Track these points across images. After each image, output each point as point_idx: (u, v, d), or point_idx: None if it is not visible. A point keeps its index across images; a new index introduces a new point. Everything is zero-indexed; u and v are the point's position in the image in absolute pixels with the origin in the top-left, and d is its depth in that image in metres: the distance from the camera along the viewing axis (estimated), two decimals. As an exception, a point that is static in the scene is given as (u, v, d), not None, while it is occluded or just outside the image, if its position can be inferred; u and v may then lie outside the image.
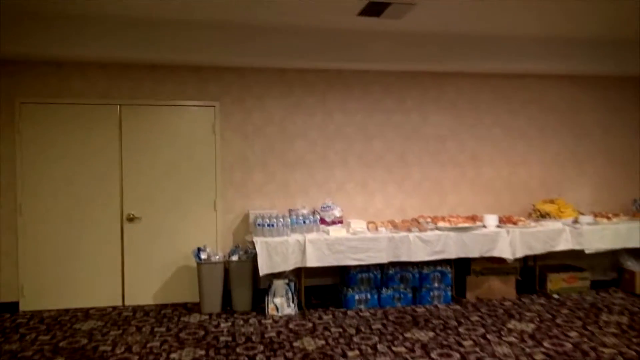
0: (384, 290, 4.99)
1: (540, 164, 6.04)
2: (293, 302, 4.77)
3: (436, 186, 5.81)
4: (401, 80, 5.69)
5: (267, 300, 4.76)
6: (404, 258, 4.80)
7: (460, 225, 4.94)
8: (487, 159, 5.92)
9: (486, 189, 5.93)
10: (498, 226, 5.14)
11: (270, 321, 4.57)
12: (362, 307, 4.94)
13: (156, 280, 5.15)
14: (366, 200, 5.66)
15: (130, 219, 5.08)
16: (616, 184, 6.17)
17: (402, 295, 5.01)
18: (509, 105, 5.96)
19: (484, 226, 5.10)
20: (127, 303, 5.10)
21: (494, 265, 5.20)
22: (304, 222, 4.94)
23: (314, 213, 5.14)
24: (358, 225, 4.94)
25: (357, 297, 4.94)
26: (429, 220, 5.17)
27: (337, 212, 5.25)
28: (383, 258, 4.75)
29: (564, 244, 5.13)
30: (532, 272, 5.49)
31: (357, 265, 4.82)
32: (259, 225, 4.78)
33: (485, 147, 5.91)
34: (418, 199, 5.77)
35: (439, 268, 5.06)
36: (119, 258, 5.08)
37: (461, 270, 5.25)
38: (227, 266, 4.92)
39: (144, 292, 5.13)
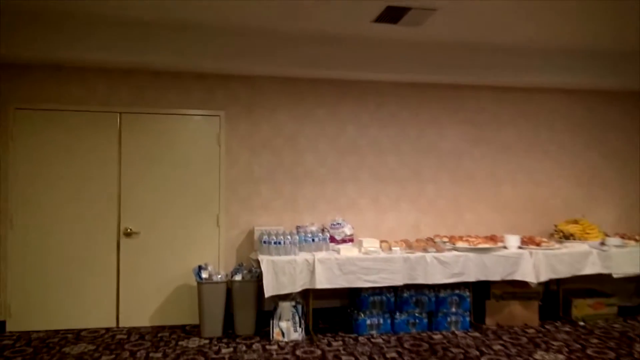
0: (397, 314, 4.64)
1: (562, 183, 5.72)
2: (300, 326, 4.42)
3: (452, 204, 5.50)
4: (417, 92, 5.42)
5: (272, 324, 4.41)
6: (420, 280, 4.46)
7: (480, 246, 4.61)
8: (506, 176, 5.61)
9: (505, 208, 5.61)
10: (520, 247, 4.81)
11: (275, 347, 4.22)
12: (374, 332, 4.59)
13: (153, 300, 4.81)
14: (378, 218, 5.34)
15: (128, 234, 4.76)
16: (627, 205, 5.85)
17: (417, 321, 4.66)
18: (530, 121, 5.67)
19: (505, 247, 4.77)
20: (121, 324, 4.75)
21: (515, 290, 4.85)
22: (313, 240, 4.62)
23: (323, 230, 4.82)
24: (370, 244, 4.62)
25: (368, 321, 4.59)
26: (445, 240, 4.84)
27: (347, 230, 4.93)
28: (398, 280, 4.41)
29: (590, 268, 4.79)
30: (554, 296, 5.14)
31: (369, 287, 4.48)
32: (264, 242, 4.46)
33: (504, 164, 5.61)
34: (433, 217, 5.46)
35: (456, 291, 4.71)
36: (114, 275, 4.75)
37: (479, 294, 4.90)
38: (229, 286, 4.58)
39: (140, 312, 4.78)
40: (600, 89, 5.68)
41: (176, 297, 4.85)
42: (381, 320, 4.61)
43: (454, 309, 4.71)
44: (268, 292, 4.21)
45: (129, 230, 4.76)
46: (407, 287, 4.60)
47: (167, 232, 4.84)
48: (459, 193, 5.52)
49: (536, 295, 4.89)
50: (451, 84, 5.44)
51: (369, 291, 4.59)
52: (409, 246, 4.75)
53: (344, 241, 4.89)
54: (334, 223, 4.94)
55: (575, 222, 5.28)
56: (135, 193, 4.79)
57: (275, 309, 4.45)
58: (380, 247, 4.65)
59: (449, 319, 4.70)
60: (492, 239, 4.88)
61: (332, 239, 4.85)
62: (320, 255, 4.39)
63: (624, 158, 5.83)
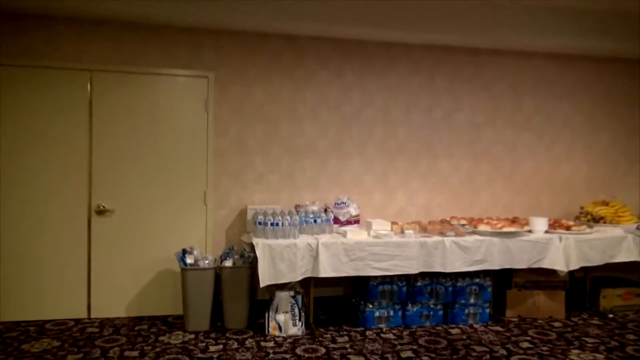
0: (409, 306, 4.10)
1: (586, 160, 5.18)
2: (300, 319, 3.85)
3: (467, 182, 4.93)
4: (431, 55, 4.79)
5: (268, 316, 3.84)
6: (438, 268, 3.91)
7: (505, 229, 4.06)
8: (526, 152, 5.05)
9: (524, 187, 5.06)
10: (546, 231, 4.28)
11: (272, 344, 3.65)
12: (383, 326, 4.04)
13: (130, 287, 4.20)
14: (386, 197, 4.76)
15: (100, 212, 4.12)
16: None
17: (431, 313, 4.12)
18: (553, 91, 5.09)
19: (530, 231, 4.23)
20: (93, 315, 4.14)
21: (540, 278, 4.33)
22: (315, 221, 4.03)
23: (325, 211, 4.23)
24: (381, 226, 4.04)
25: (377, 313, 4.04)
26: (464, 222, 4.29)
27: (353, 210, 4.35)
28: (413, 268, 3.85)
29: (625, 254, 4.27)
30: (580, 285, 4.64)
31: (379, 275, 3.92)
32: (259, 223, 3.85)
33: (525, 138, 5.04)
34: (446, 196, 4.89)
35: (476, 280, 4.17)
36: (85, 259, 4.12)
37: (499, 282, 4.38)
38: (218, 273, 3.98)
39: (115, 302, 4.17)
40: (629, 56, 5.10)
41: (157, 285, 4.24)
42: (391, 312, 4.06)
43: (472, 300, 4.17)
44: (264, 281, 3.63)
45: (101, 207, 4.11)
46: (422, 275, 4.05)
47: (146, 210, 4.21)
48: (475, 170, 4.95)
49: (563, 284, 4.38)
50: (468, 48, 4.82)
51: (377, 279, 4.02)
52: (423, 229, 4.19)
53: (348, 223, 4.31)
54: (338, 202, 4.35)
55: (605, 203, 4.76)
56: (108, 165, 4.14)
57: (272, 299, 3.87)
58: (391, 229, 4.08)
59: (466, 311, 4.17)
60: (516, 221, 4.34)
61: (336, 220, 4.27)
62: (324, 238, 3.80)
63: (654, 134, 5.31)
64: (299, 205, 4.29)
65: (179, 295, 4.11)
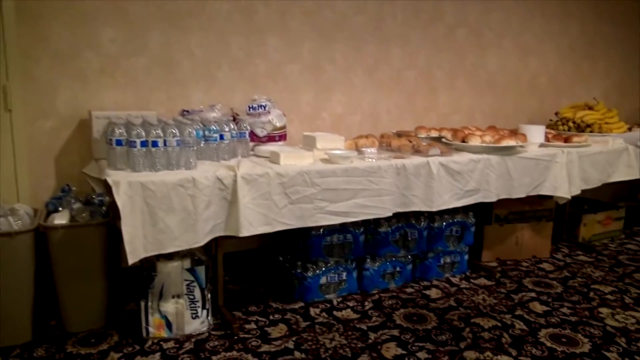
0: (369, 262, 2.72)
1: (555, 54, 4.10)
2: (204, 306, 2.25)
3: (424, 79, 3.54)
4: None
5: (146, 308, 2.16)
6: (420, 206, 2.53)
7: (505, 143, 2.78)
8: (493, 38, 3.77)
9: (488, 88, 3.84)
10: (542, 145, 3.12)
11: (157, 356, 2.03)
12: (332, 296, 2.63)
13: None
14: (318, 99, 3.17)
15: None
16: (630, 87, 4.55)
17: (398, 269, 2.80)
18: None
19: (522, 146, 3.02)
20: None
21: (525, 207, 3.23)
22: (221, 137, 2.33)
23: (234, 120, 2.53)
24: (330, 143, 2.49)
25: (323, 279, 2.60)
26: (445, 134, 2.93)
27: (276, 119, 2.70)
28: (386, 208, 2.42)
29: (624, 172, 3.32)
30: (559, 213, 3.66)
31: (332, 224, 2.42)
32: (118, 143, 2.05)
33: (492, 21, 3.74)
34: (397, 99, 3.47)
35: (457, 217, 2.91)
36: None
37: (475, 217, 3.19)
38: (47, 235, 2.14)
39: None
40: None
41: None
42: (344, 275, 2.65)
43: (452, 246, 2.93)
44: (135, 252, 1.91)
45: None
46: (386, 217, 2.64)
47: None
48: (435, 62, 3.56)
49: (549, 213, 3.34)
50: None
51: (320, 229, 2.53)
52: (388, 145, 2.74)
53: (271, 139, 2.67)
54: (253, 106, 2.65)
55: (588, 107, 3.74)
56: None
57: (150, 277, 2.17)
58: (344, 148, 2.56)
59: (442, 261, 2.93)
60: (495, 130, 3.08)
61: (251, 137, 2.61)
62: (242, 168, 2.14)
63: (624, 22, 4.37)
64: (187, 111, 2.52)
65: (-35, 282, 2.20)
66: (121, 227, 1.89)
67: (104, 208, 2.24)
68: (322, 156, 2.41)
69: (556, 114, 3.80)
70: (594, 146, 3.22)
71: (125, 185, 1.87)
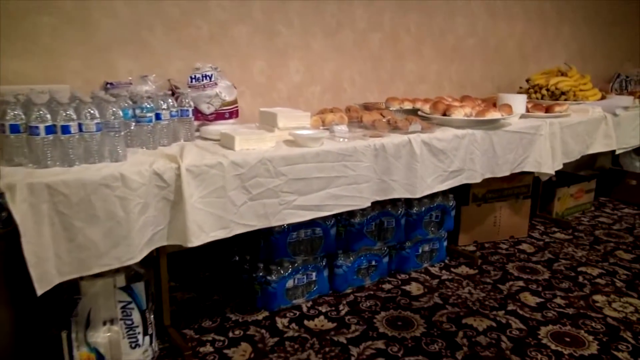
0: (341, 258, 2.34)
1: (523, 17, 3.81)
2: (146, 330, 1.79)
3: (390, 43, 3.14)
4: None
5: (69, 340, 1.68)
6: (401, 193, 2.15)
7: (490, 116, 2.44)
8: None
9: (455, 53, 3.50)
10: (522, 116, 2.83)
11: (85, 410, 1.57)
12: (301, 301, 2.25)
13: None
14: (273, 66, 2.70)
15: None
16: (592, 53, 4.38)
17: (374, 263, 2.45)
18: None
19: (505, 118, 2.71)
20: None
21: (503, 185, 2.96)
22: (157, 117, 1.83)
23: (173, 94, 2.03)
24: (294, 121, 2.04)
25: (289, 282, 2.20)
26: (422, 106, 2.56)
27: (226, 92, 2.21)
28: (364, 197, 2.02)
29: (602, 143, 3.09)
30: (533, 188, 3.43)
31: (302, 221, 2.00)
32: (12, 130, 1.51)
33: (464, -24, 3.38)
34: (361, 66, 3.05)
35: (437, 201, 2.58)
36: None
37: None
38: None
39: None
40: None
41: None
42: (313, 276, 2.26)
43: (431, 233, 2.60)
44: (45, 279, 1.41)
45: None
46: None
47: None
48: (401, 23, 3.16)
49: (526, 189, 3.09)
50: None
51: (284, 225, 2.11)
52: (359, 121, 2.33)
53: (219, 117, 2.19)
54: (196, 76, 2.14)
55: (560, 73, 3.49)
56: None
57: (73, 301, 1.68)
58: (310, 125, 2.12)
59: (420, 250, 2.60)
60: (473, 101, 2.75)
61: (196, 115, 2.11)
62: (189, 157, 1.66)
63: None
64: (111, 84, 1.99)
65: None
66: (22, 244, 1.38)
67: (3, 214, 1.70)
68: (285, 137, 1.97)
69: (527, 80, 3.53)
70: (574, 116, 2.97)
71: (24, 189, 1.36)
